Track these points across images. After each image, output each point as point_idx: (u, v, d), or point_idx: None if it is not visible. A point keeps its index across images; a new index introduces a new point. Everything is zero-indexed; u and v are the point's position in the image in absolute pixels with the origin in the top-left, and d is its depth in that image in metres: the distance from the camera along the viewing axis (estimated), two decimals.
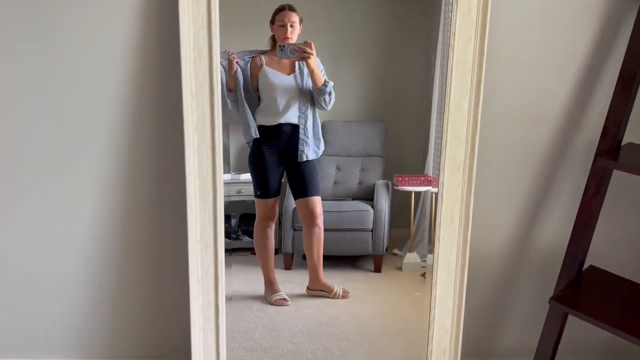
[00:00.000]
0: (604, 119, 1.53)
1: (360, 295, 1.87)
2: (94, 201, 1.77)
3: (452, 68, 1.52)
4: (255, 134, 1.70)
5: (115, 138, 1.70)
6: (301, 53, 1.63)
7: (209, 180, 1.56)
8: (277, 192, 1.77)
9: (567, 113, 1.70)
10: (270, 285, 1.83)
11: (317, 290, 1.84)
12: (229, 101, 1.67)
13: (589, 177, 1.56)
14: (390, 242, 1.88)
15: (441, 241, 1.63)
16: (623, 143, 1.57)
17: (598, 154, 1.52)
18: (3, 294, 1.87)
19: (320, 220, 1.78)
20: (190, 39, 1.45)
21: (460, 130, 1.56)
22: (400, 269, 1.87)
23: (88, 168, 1.73)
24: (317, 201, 1.77)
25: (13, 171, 1.74)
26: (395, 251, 1.88)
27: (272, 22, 1.64)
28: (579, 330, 1.90)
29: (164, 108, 1.66)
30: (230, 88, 1.65)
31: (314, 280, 1.83)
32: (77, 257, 1.83)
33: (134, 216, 1.79)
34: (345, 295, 1.84)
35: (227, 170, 1.67)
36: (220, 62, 1.51)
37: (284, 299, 1.83)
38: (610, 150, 1.52)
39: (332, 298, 1.85)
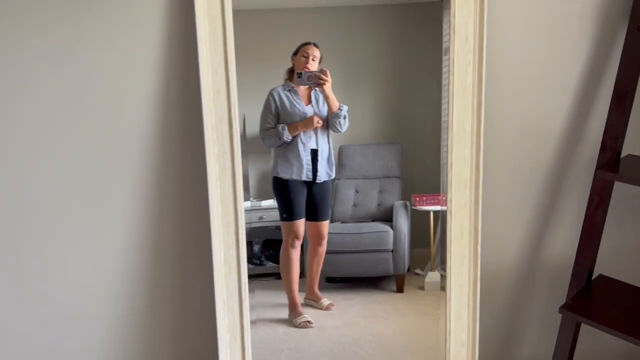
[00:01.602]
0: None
1: (383, 315, 1.88)
2: (124, 230, 1.83)
3: (453, 92, 1.60)
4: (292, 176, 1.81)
5: (142, 171, 1.78)
6: (317, 80, 1.71)
7: (231, 206, 1.65)
8: (301, 214, 1.83)
9: (568, 129, 1.75)
10: (294, 308, 1.87)
11: (310, 299, 1.88)
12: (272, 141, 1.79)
13: (591, 190, 1.62)
14: (412, 262, 1.89)
15: (453, 256, 1.69)
16: (623, 155, 1.63)
17: (598, 167, 1.58)
18: (38, 323, 1.93)
19: (325, 241, 1.84)
20: (209, 78, 1.56)
21: (465, 150, 1.63)
22: (422, 288, 1.88)
23: (118, 199, 1.80)
24: (325, 225, 1.84)
25: (48, 203, 1.81)
26: (417, 271, 1.89)
27: (295, 53, 1.73)
28: (595, 341, 1.94)
29: (188, 141, 1.75)
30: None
31: (310, 291, 1.88)
32: (110, 284, 1.89)
33: (161, 243, 1.85)
34: (329, 307, 1.88)
35: (247, 197, 1.74)
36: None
37: (308, 321, 1.86)
38: (609, 163, 1.58)
39: (319, 308, 1.88)
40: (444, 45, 1.67)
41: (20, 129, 1.74)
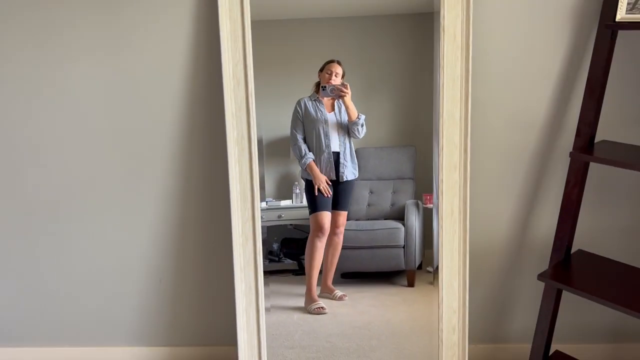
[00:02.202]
0: None
1: (392, 305, 1.98)
2: (155, 208, 2.02)
3: (443, 84, 1.77)
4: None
5: (171, 153, 1.96)
6: (339, 92, 1.89)
7: (248, 184, 1.84)
8: (325, 207, 1.95)
9: (549, 118, 1.89)
10: (309, 294, 1.99)
11: (324, 292, 2.00)
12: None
13: (568, 171, 1.75)
14: (424, 261, 1.97)
15: (444, 232, 1.85)
16: (597, 140, 1.77)
17: (574, 150, 1.72)
18: (79, 288, 2.12)
19: (340, 230, 1.95)
20: (230, 71, 1.78)
21: (454, 136, 1.80)
22: (432, 283, 1.95)
23: (150, 180, 1.99)
24: (343, 215, 1.96)
25: (92, 186, 2.01)
26: (429, 268, 1.96)
27: (321, 70, 1.90)
28: (576, 316, 2.06)
29: (212, 127, 1.93)
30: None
31: (324, 284, 2.00)
32: (142, 256, 2.07)
33: (187, 219, 2.03)
34: (342, 298, 1.98)
35: (263, 197, 1.90)
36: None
37: (322, 307, 1.99)
38: (584, 145, 1.72)
39: (332, 299, 1.98)
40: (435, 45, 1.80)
41: (71, 118, 1.95)
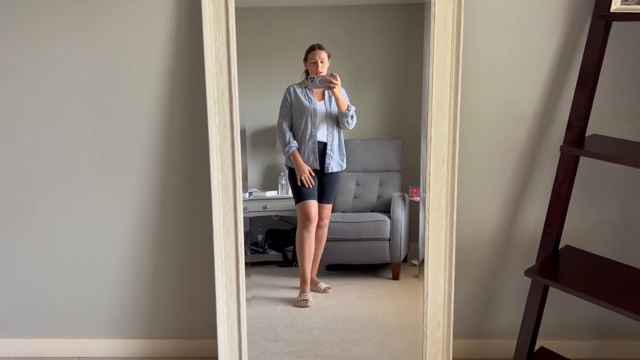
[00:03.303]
0: None
1: (377, 298, 1.98)
2: (133, 198, 1.97)
3: (432, 74, 1.73)
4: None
5: (150, 142, 1.91)
6: (328, 83, 1.85)
7: (230, 173, 1.79)
8: (311, 196, 1.92)
9: (540, 112, 1.86)
10: (303, 284, 1.97)
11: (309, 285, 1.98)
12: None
13: (558, 165, 1.73)
14: (410, 254, 1.96)
15: (430, 225, 1.81)
16: (587, 135, 1.74)
17: (564, 143, 1.70)
18: (56, 279, 2.07)
19: (325, 223, 1.93)
20: (212, 56, 1.72)
21: (443, 127, 1.76)
22: (417, 277, 1.94)
23: (128, 169, 1.94)
24: (328, 208, 1.94)
25: (69, 174, 1.96)
26: (414, 262, 1.95)
27: (305, 59, 1.87)
28: (565, 312, 2.04)
29: (192, 114, 1.88)
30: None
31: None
32: (120, 248, 2.03)
33: (166, 209, 1.99)
34: (326, 291, 1.97)
35: (245, 188, 1.86)
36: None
37: (306, 299, 1.97)
38: (574, 139, 1.69)
39: (316, 292, 1.97)
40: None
41: (45, 105, 1.89)
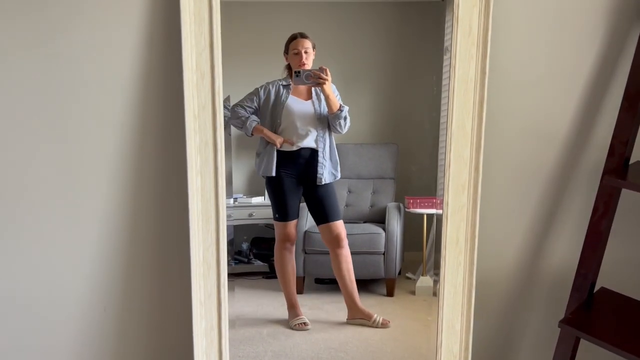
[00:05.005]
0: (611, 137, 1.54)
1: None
2: (99, 226, 1.81)
3: (454, 88, 1.53)
4: (273, 173, 1.74)
5: (119, 162, 1.75)
6: (316, 79, 1.66)
7: (212, 202, 1.58)
8: (295, 215, 1.79)
9: (574, 132, 1.71)
10: (292, 309, 1.83)
11: (356, 319, 1.83)
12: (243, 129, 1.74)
13: (597, 197, 1.56)
14: (404, 266, 1.89)
15: (447, 263, 1.63)
16: (631, 162, 1.57)
17: (605, 173, 1.52)
18: (10, 320, 1.90)
19: (345, 243, 1.79)
20: (192, 62, 1.49)
21: (464, 151, 1.57)
22: (413, 292, 1.86)
23: (93, 194, 1.78)
24: (340, 225, 1.79)
25: (19, 194, 1.79)
26: (409, 275, 1.88)
27: (286, 51, 1.68)
28: (594, 357, 1.87)
29: (168, 132, 1.71)
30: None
31: (352, 308, 1.82)
32: (83, 282, 1.87)
33: (137, 241, 1.83)
34: (385, 323, 1.82)
35: (229, 193, 1.70)
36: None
37: (304, 323, 1.82)
38: (617, 168, 1.52)
39: (371, 327, 1.84)
40: (445, 44, 1.62)
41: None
